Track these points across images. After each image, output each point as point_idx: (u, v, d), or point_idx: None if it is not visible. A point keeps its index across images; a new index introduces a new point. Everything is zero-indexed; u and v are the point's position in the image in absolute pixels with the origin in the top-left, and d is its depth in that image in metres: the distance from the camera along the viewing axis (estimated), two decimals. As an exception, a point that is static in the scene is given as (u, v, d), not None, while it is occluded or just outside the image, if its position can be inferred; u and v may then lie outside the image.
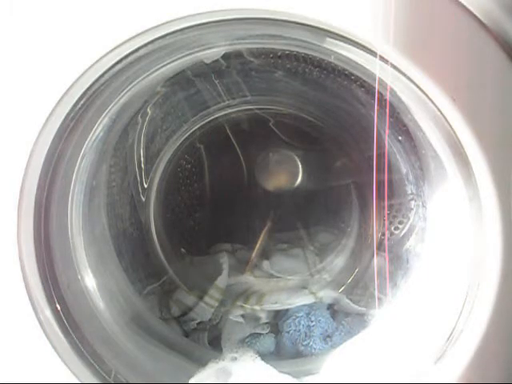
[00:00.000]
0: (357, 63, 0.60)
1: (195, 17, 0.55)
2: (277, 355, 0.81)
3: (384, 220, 0.85)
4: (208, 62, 0.68)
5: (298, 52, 0.68)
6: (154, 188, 0.91)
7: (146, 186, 0.90)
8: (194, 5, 0.54)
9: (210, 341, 0.83)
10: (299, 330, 0.81)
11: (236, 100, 0.90)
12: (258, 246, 0.95)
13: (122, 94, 0.67)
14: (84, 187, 0.70)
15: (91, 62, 0.55)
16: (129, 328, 0.75)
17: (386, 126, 0.76)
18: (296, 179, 0.99)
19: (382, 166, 0.76)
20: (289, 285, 0.91)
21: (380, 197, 0.83)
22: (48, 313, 0.62)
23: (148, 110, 0.79)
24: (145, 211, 0.90)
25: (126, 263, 0.81)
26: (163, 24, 0.55)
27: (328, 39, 0.58)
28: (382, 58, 0.56)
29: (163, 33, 0.57)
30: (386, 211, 0.84)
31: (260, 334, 0.84)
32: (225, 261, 0.91)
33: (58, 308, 0.63)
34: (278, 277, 0.92)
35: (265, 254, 0.95)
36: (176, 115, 0.89)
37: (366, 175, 0.88)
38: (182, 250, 0.97)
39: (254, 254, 0.95)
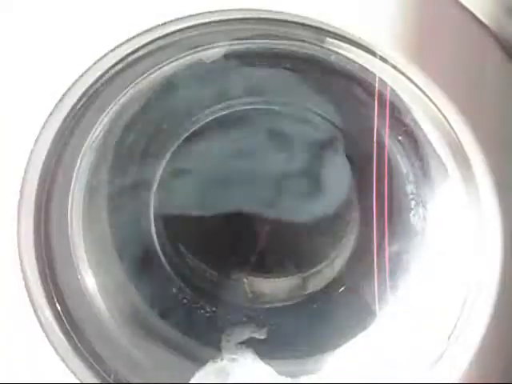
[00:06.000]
0: (357, 63, 0.60)
1: (195, 17, 0.55)
2: (276, 355, 0.82)
3: (384, 220, 0.85)
4: (208, 61, 0.68)
5: (297, 52, 0.68)
6: (154, 188, 0.91)
7: (145, 186, 0.90)
8: (193, 5, 0.54)
9: (209, 340, 0.83)
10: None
11: (236, 100, 0.90)
12: (257, 246, 0.95)
13: (122, 93, 0.67)
14: (84, 187, 0.70)
15: (91, 61, 0.55)
16: (129, 328, 0.75)
17: (386, 125, 0.76)
18: (293, 179, 0.99)
19: (382, 166, 0.76)
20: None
21: (380, 197, 0.83)
22: (48, 313, 0.62)
23: (148, 109, 0.79)
24: (145, 211, 0.90)
25: (126, 263, 0.81)
26: (163, 24, 0.55)
27: (328, 39, 0.58)
28: (381, 58, 0.56)
29: (163, 33, 0.57)
30: (386, 211, 0.84)
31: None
32: None
33: (58, 308, 0.63)
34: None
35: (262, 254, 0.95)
36: (176, 115, 0.89)
37: (366, 175, 0.88)
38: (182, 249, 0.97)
39: (253, 255, 0.95)
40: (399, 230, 0.81)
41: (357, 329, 0.77)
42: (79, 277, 0.70)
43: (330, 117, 0.89)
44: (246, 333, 0.84)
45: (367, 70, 0.60)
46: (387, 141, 0.78)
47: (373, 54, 0.56)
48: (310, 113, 0.91)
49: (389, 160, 0.79)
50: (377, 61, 0.57)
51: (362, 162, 0.89)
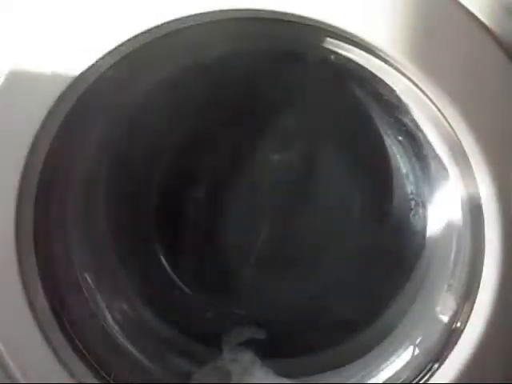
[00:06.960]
0: (357, 63, 0.60)
1: (195, 17, 0.55)
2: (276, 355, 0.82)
3: (384, 220, 0.85)
4: (208, 61, 0.68)
5: (297, 52, 0.68)
6: (154, 188, 0.91)
7: (146, 186, 0.90)
8: (194, 5, 0.54)
9: (209, 340, 0.83)
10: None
11: (235, 100, 0.90)
12: (257, 247, 0.95)
13: (123, 94, 0.67)
14: (84, 187, 0.70)
15: (91, 61, 0.55)
16: (129, 328, 0.75)
17: (386, 126, 0.76)
18: (294, 180, 0.99)
19: (382, 166, 0.77)
20: None
21: (380, 197, 0.83)
22: (48, 313, 0.62)
23: (148, 109, 0.79)
24: (145, 211, 0.90)
25: (125, 263, 0.81)
26: (163, 24, 0.55)
27: (328, 39, 0.58)
28: (381, 59, 0.56)
29: (163, 33, 0.57)
30: (386, 211, 0.84)
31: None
32: None
33: (58, 308, 0.63)
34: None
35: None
36: (176, 115, 0.89)
37: (366, 176, 0.88)
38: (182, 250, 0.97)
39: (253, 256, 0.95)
40: (399, 229, 0.82)
41: (357, 329, 0.77)
42: (79, 277, 0.70)
43: (329, 117, 0.90)
44: (246, 333, 0.84)
45: (367, 70, 0.60)
46: (387, 141, 0.78)
47: (373, 54, 0.56)
48: (309, 112, 0.91)
49: (389, 160, 0.79)
50: (377, 61, 0.57)
51: (361, 162, 0.89)
